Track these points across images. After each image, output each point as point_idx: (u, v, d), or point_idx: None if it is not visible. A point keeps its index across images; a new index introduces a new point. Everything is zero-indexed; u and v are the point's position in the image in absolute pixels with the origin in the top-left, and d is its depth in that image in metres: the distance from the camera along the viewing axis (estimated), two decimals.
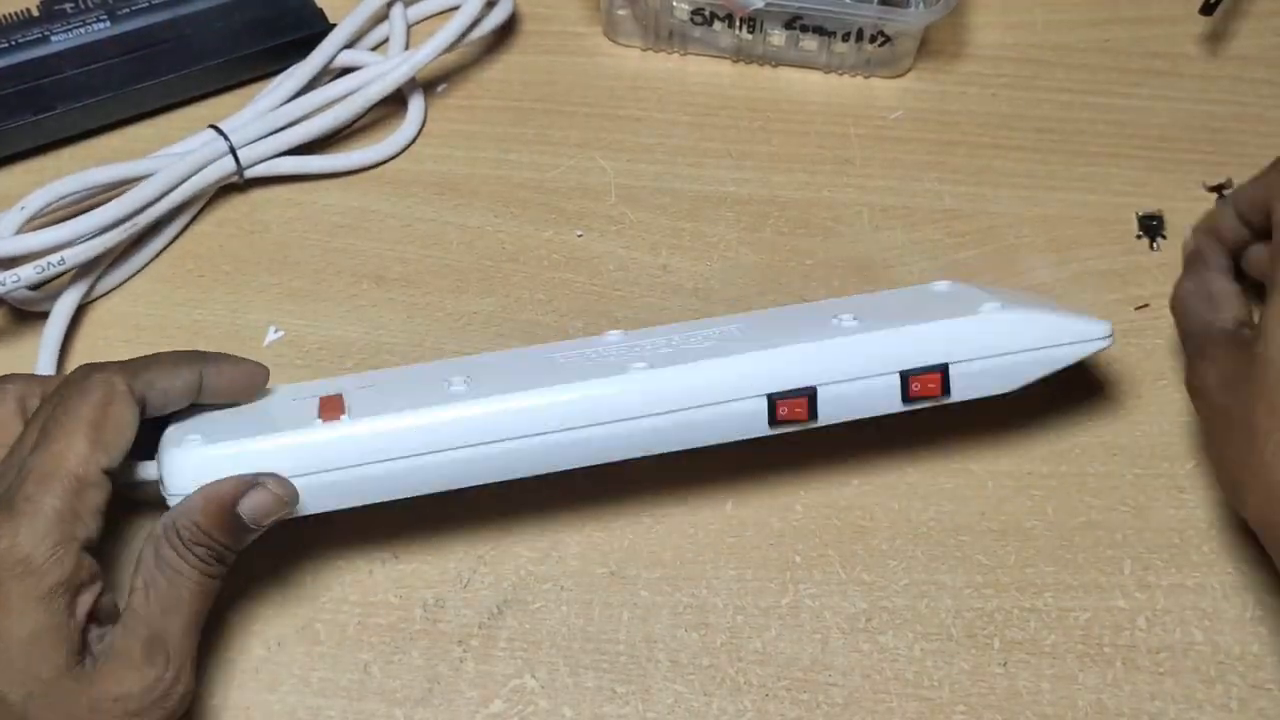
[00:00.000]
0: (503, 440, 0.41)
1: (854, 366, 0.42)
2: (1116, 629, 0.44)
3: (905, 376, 0.42)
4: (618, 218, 0.54)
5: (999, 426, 0.48)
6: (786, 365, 0.42)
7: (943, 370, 0.43)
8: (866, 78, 0.58)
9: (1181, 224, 0.54)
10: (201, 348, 0.49)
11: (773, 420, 0.42)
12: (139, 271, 0.52)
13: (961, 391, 0.43)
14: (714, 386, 0.42)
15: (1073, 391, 0.49)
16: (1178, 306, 0.47)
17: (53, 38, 0.55)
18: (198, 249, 0.53)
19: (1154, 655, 0.44)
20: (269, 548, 0.42)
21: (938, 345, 0.43)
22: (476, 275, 0.52)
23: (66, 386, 0.40)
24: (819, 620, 0.44)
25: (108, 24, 0.55)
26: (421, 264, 0.52)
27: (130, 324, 0.51)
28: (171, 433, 0.42)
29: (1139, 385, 0.50)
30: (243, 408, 0.43)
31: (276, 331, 0.50)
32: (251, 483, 0.40)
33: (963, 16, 0.60)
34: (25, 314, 0.50)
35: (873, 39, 0.56)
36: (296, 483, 0.40)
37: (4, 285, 0.47)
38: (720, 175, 0.55)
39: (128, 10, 0.56)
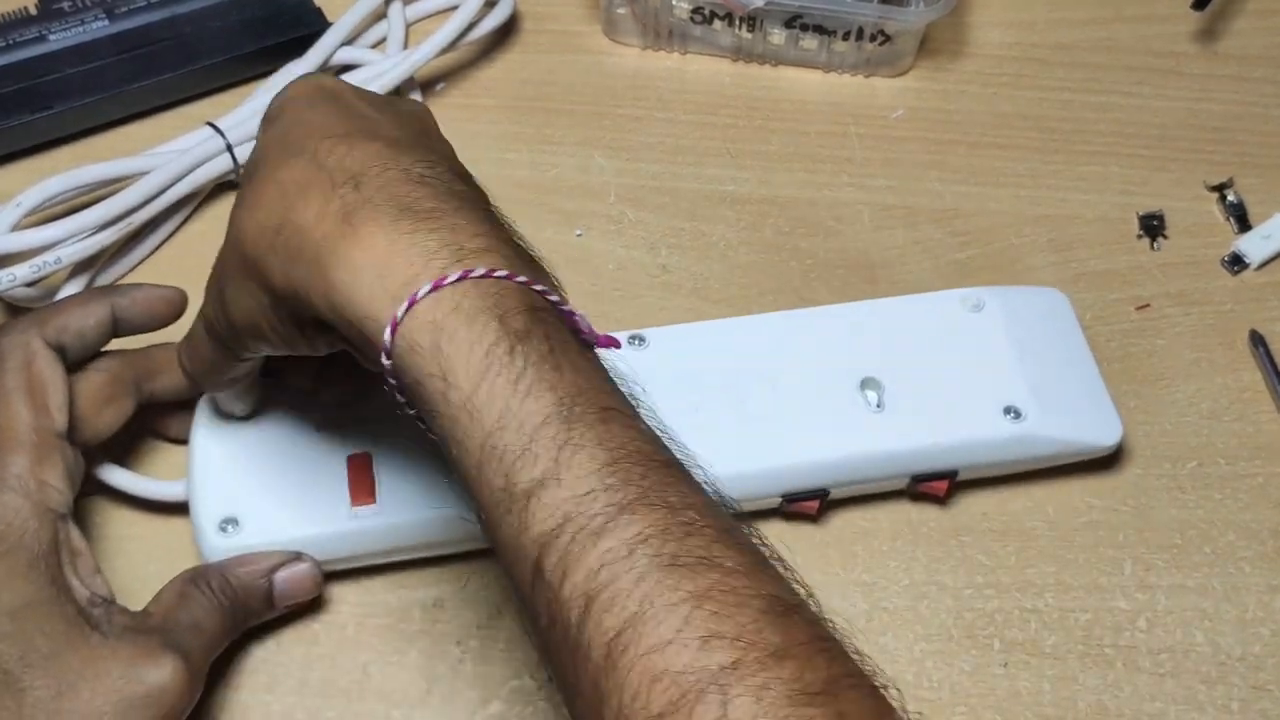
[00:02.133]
0: None
1: (867, 472, 0.45)
2: (1117, 630, 0.44)
3: (915, 478, 0.45)
4: (617, 217, 0.54)
5: None
6: (803, 473, 0.44)
7: (951, 475, 0.45)
8: (867, 77, 0.58)
9: (1182, 223, 0.54)
10: None
11: (783, 510, 0.45)
12: (136, 267, 0.52)
13: (964, 476, 0.46)
14: (738, 492, 0.43)
15: None
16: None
17: (51, 36, 0.55)
18: (199, 248, 0.52)
19: (1155, 656, 0.44)
20: None
21: (950, 457, 0.45)
22: None
23: None
24: None
25: (106, 23, 0.55)
26: None
27: None
28: (205, 497, 0.43)
29: (1140, 385, 0.49)
30: (278, 444, 0.44)
31: None
32: (292, 557, 0.42)
33: (963, 15, 0.60)
34: (24, 310, 0.50)
35: (873, 38, 0.56)
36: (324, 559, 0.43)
37: (0, 283, 0.47)
38: (720, 175, 0.55)
39: (126, 9, 0.56)
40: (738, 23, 0.57)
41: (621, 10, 0.58)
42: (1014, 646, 0.44)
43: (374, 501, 0.43)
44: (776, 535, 0.45)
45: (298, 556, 0.42)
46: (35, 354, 0.39)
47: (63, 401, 0.39)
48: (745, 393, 0.45)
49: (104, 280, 0.51)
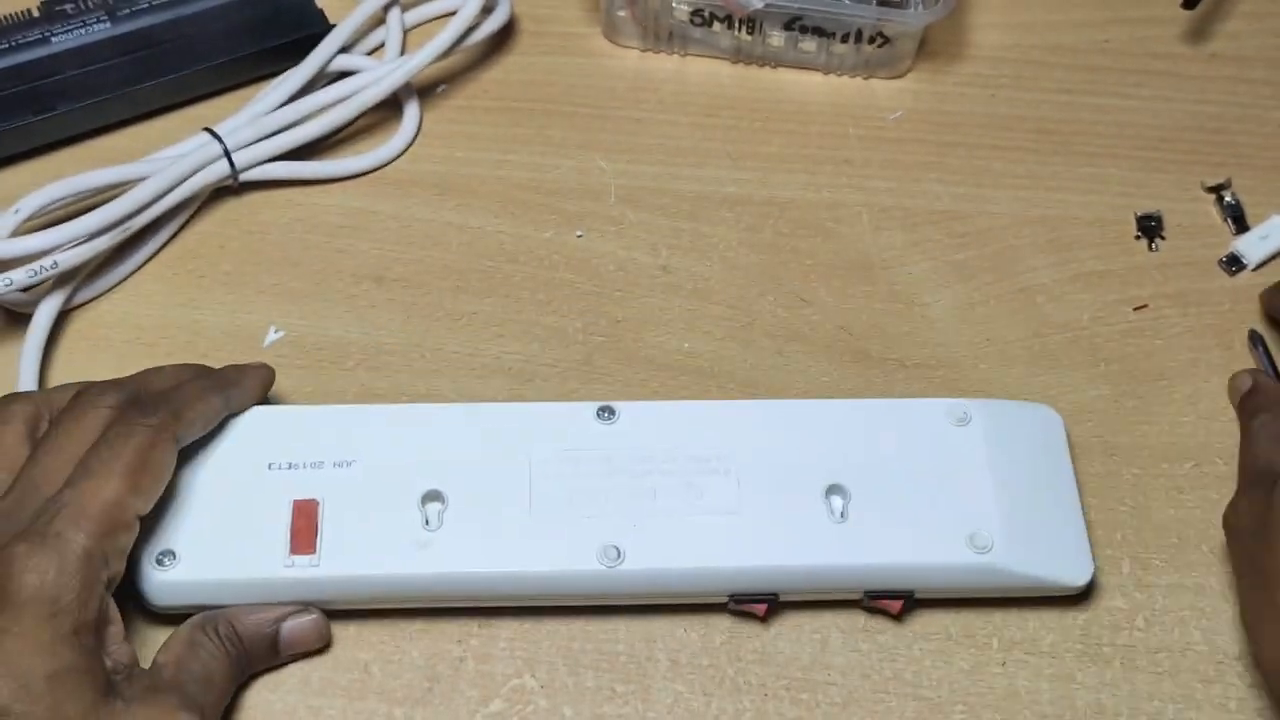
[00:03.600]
0: (470, 596, 0.43)
1: (821, 583, 0.43)
2: (1115, 629, 0.44)
3: (869, 594, 0.44)
4: (617, 218, 0.54)
5: None
6: (754, 577, 0.43)
7: (908, 595, 0.44)
8: (866, 78, 0.58)
9: (1180, 224, 0.54)
10: (201, 348, 0.49)
11: (730, 608, 0.44)
12: (131, 274, 0.52)
13: (921, 596, 0.44)
14: (683, 587, 0.43)
15: (1072, 391, 0.49)
16: (1249, 438, 0.46)
17: (53, 38, 0.55)
18: (198, 249, 0.53)
19: (1153, 655, 0.44)
20: None
21: (907, 578, 0.43)
22: (476, 276, 0.52)
23: (114, 426, 0.40)
24: (818, 620, 0.44)
25: (108, 25, 0.55)
26: (421, 264, 0.52)
27: (131, 324, 0.51)
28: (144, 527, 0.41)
29: (1138, 385, 0.50)
30: (215, 490, 0.43)
31: (276, 332, 0.50)
32: (301, 608, 0.42)
33: (962, 17, 0.60)
34: (15, 315, 0.50)
35: (872, 40, 0.56)
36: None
37: None
38: (720, 175, 0.55)
39: (128, 11, 0.56)
40: (737, 25, 0.57)
41: (621, 13, 0.58)
42: (1012, 645, 0.44)
43: (313, 552, 0.42)
44: None
45: (306, 608, 0.42)
46: (161, 442, 0.40)
47: (159, 493, 0.40)
48: (707, 484, 0.43)
49: (99, 285, 0.51)
